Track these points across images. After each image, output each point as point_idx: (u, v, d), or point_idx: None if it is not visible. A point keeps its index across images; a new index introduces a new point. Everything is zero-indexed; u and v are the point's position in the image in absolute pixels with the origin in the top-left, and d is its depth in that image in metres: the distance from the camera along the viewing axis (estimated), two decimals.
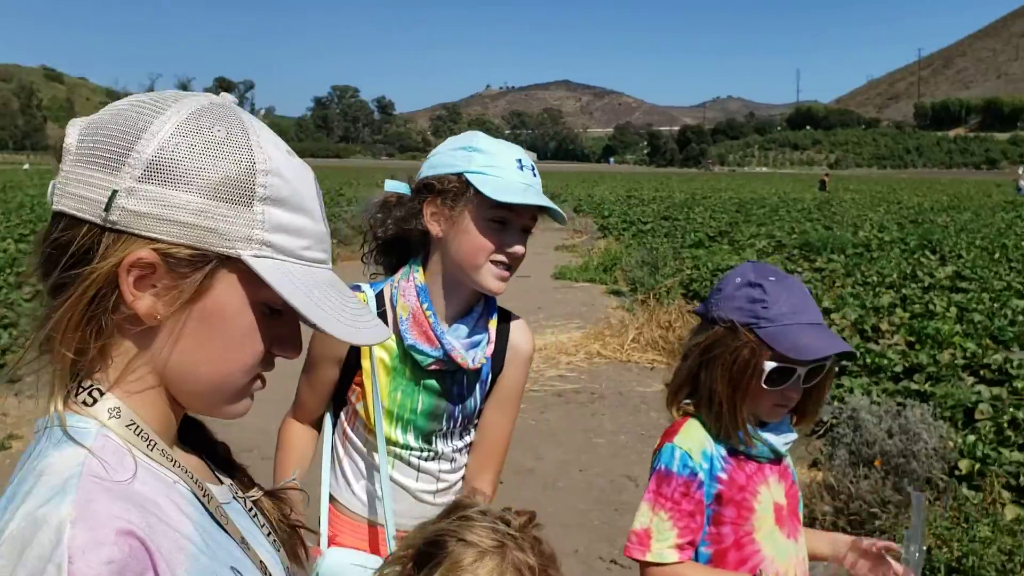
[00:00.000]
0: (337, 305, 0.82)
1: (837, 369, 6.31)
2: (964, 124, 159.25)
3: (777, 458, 1.74)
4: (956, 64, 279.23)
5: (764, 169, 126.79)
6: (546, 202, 1.70)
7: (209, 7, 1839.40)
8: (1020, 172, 49.09)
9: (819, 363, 1.63)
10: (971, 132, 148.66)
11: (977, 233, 17.00)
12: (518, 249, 1.71)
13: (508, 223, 1.70)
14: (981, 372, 6.46)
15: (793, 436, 1.74)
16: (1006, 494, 4.21)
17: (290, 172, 0.80)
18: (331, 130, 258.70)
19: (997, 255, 13.26)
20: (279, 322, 0.82)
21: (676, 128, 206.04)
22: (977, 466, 4.36)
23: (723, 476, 1.66)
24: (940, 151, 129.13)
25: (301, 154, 0.86)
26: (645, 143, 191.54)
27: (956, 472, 4.37)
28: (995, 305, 8.80)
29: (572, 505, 4.75)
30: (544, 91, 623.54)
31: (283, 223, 0.78)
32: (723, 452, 1.68)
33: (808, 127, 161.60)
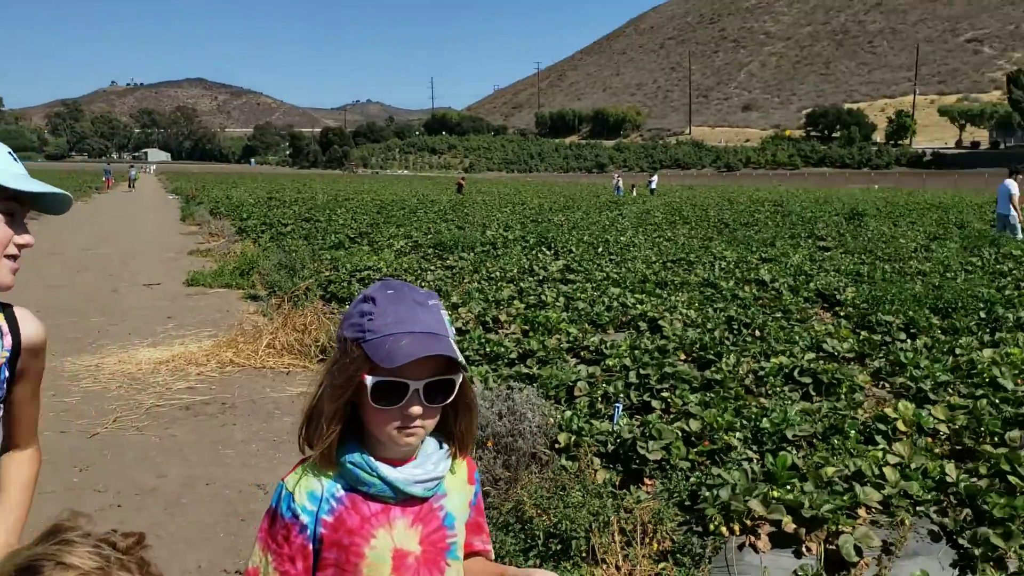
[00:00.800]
0: None
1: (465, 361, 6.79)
2: (577, 132, 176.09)
3: (414, 498, 1.61)
4: (569, 77, 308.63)
5: (405, 172, 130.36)
6: (57, 188, 1.75)
7: None
8: (616, 176, 55.63)
9: (442, 379, 1.54)
10: (583, 139, 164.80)
11: (585, 230, 18.97)
12: (28, 238, 1.74)
13: (16, 214, 1.70)
14: (581, 353, 7.26)
15: (438, 473, 1.62)
16: (597, 461, 4.78)
17: None
18: None
19: (600, 249, 14.92)
20: None
21: (318, 130, 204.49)
22: (573, 438, 4.90)
23: (328, 519, 1.55)
24: (559, 157, 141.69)
25: None
26: (287, 144, 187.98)
27: (556, 445, 4.88)
28: (596, 294, 9.90)
29: (197, 520, 4.57)
30: (177, 89, 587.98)
31: None
32: (339, 491, 1.57)
33: (444, 132, 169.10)
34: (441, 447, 1.66)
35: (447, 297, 9.84)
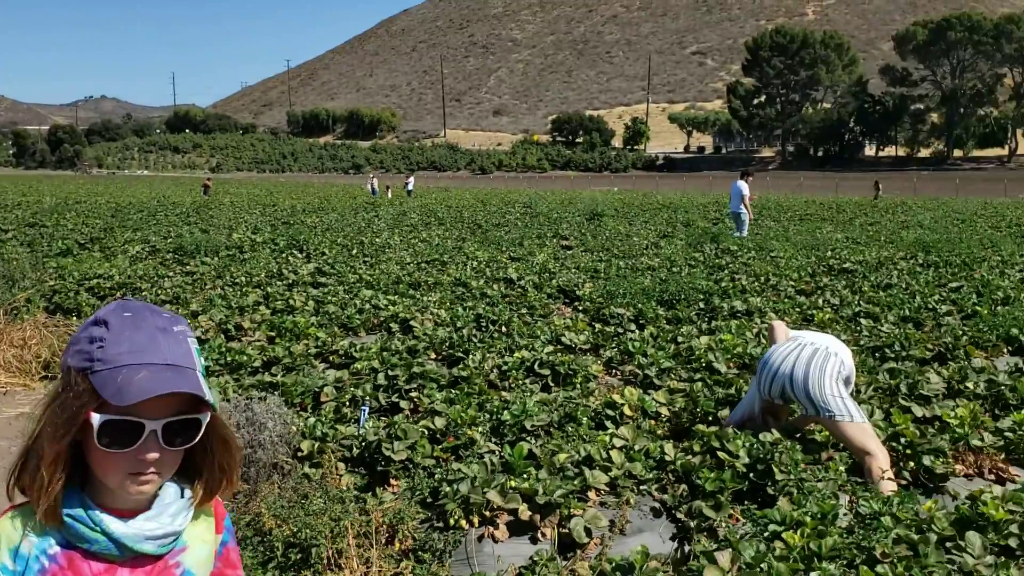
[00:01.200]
0: None
1: None
2: (332, 132, 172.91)
3: (146, 555, 1.39)
4: (321, 77, 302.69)
5: (146, 172, 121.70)
6: None
7: None
8: (371, 176, 55.26)
9: (185, 418, 1.34)
10: (338, 140, 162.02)
11: (340, 232, 18.74)
12: None
13: None
14: (331, 358, 7.17)
15: (175, 528, 1.41)
16: (342, 465, 4.75)
17: None
18: None
19: (355, 251, 14.81)
20: None
21: (46, 127, 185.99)
22: (317, 445, 4.83)
23: None
24: (313, 157, 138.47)
25: None
26: (10, 143, 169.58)
27: (300, 453, 4.79)
28: (348, 296, 9.81)
29: None
30: None
31: None
32: (53, 547, 1.34)
33: (188, 131, 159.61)
34: (183, 495, 1.44)
35: (186, 305, 9.35)
